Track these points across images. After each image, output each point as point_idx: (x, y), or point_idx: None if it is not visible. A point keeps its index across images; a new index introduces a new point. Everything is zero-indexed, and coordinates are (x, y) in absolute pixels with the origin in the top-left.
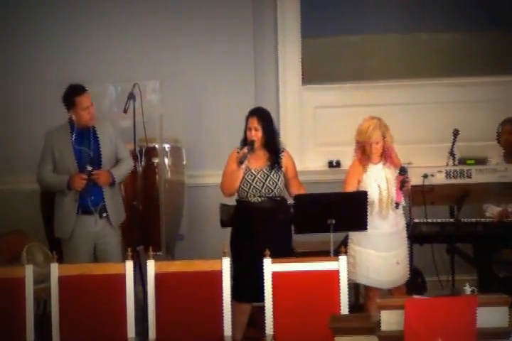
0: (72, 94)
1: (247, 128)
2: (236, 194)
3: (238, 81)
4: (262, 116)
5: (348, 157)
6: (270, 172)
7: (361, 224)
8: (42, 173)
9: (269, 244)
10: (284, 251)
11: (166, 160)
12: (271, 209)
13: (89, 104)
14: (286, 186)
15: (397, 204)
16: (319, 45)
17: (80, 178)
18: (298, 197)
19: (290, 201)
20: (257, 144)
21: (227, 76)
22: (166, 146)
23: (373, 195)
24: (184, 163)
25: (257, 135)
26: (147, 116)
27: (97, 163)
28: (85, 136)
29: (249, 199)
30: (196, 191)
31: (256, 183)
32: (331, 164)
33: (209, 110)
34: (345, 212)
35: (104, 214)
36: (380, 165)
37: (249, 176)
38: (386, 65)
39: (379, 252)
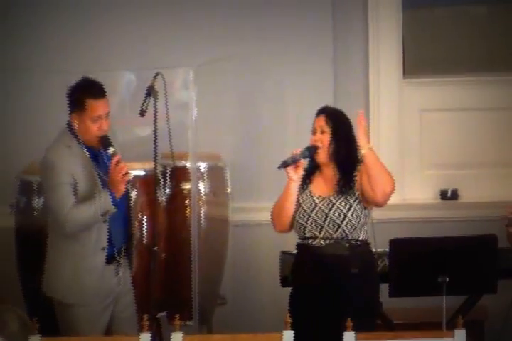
0: (84, 93)
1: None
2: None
3: (310, 72)
4: (333, 116)
5: (469, 185)
6: (337, 200)
7: (489, 284)
8: (69, 213)
9: (337, 312)
10: (361, 323)
11: (202, 187)
12: (339, 258)
13: (103, 113)
14: (364, 188)
15: None
16: (428, 19)
17: (116, 167)
18: (395, 243)
19: (381, 249)
20: (321, 155)
21: (293, 65)
22: (202, 165)
23: None
24: (228, 190)
25: (322, 139)
26: (175, 121)
27: (125, 199)
28: (99, 156)
29: (309, 241)
30: (245, 232)
31: (316, 214)
32: (444, 195)
33: (266, 114)
34: (465, 265)
35: (124, 260)
36: None
37: (308, 204)
38: None
39: None
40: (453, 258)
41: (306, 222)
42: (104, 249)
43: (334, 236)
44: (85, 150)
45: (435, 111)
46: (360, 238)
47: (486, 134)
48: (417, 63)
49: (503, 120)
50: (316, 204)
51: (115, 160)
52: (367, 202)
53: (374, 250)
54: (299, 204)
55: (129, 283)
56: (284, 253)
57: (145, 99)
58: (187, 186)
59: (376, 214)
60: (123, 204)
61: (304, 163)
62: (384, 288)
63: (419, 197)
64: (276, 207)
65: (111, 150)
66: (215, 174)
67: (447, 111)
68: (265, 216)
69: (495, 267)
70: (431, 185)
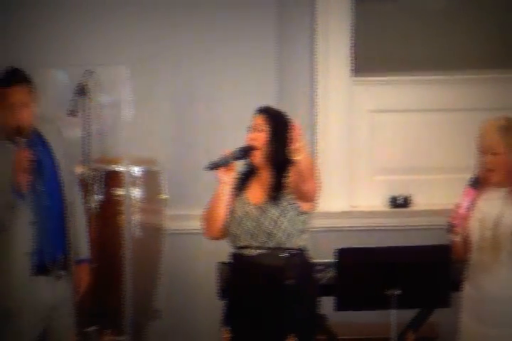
0: (0, 81)
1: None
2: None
3: (252, 70)
4: (273, 115)
5: (422, 191)
6: (271, 207)
7: (443, 298)
8: None
9: (275, 326)
10: (301, 339)
11: (136, 192)
12: (273, 269)
13: (18, 101)
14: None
15: None
16: (381, 13)
17: (18, 156)
18: (342, 252)
19: (327, 259)
20: (257, 157)
21: (234, 63)
22: (136, 170)
23: (472, 233)
24: (164, 196)
25: (259, 139)
26: (107, 122)
27: (56, 206)
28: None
29: (243, 251)
30: (182, 241)
31: (249, 223)
32: (395, 202)
33: (205, 115)
34: (417, 277)
35: (63, 272)
36: (502, 192)
37: (242, 212)
38: (490, 47)
39: (484, 328)
40: (404, 270)
41: (240, 231)
42: (28, 254)
43: (268, 245)
44: (9, 142)
45: (387, 113)
46: (297, 246)
47: (440, 137)
48: (368, 61)
49: (459, 122)
50: (250, 212)
51: (20, 149)
52: (299, 199)
53: (321, 260)
54: (232, 212)
55: (69, 297)
56: (222, 263)
57: (75, 99)
58: (120, 192)
59: (323, 222)
60: (56, 207)
61: (236, 165)
62: (330, 301)
63: (369, 204)
64: (207, 212)
65: (21, 140)
66: (150, 179)
67: (400, 113)
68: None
69: (448, 279)
70: (381, 191)
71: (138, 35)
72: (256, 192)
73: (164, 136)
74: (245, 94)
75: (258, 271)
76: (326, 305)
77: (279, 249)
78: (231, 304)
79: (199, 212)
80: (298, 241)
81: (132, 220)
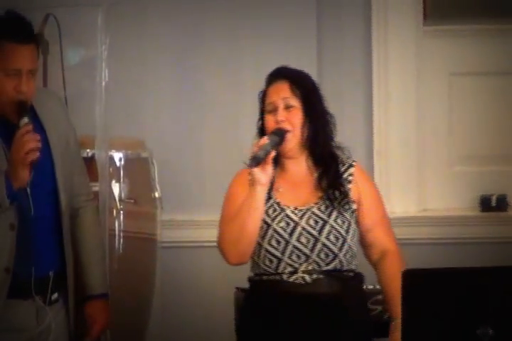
0: (2, 32)
1: (264, 110)
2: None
3: (277, 20)
4: (301, 81)
5: None
6: (329, 215)
7: None
8: None
9: None
10: None
11: (117, 188)
12: (333, 299)
13: (25, 66)
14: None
15: None
16: None
17: (21, 141)
18: (410, 276)
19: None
20: (291, 143)
21: (268, 10)
22: (117, 157)
23: None
24: (156, 194)
25: (291, 119)
26: (74, 88)
27: (45, 192)
28: (11, 131)
29: (284, 276)
30: (182, 257)
31: (300, 239)
32: (486, 203)
33: (216, 84)
34: None
35: (55, 296)
36: None
37: (282, 222)
38: None
39: None
40: (499, 300)
41: (283, 252)
42: (8, 271)
43: (325, 268)
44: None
45: (472, 76)
46: (354, 268)
47: None
48: (445, 3)
49: None
50: (296, 223)
51: (23, 131)
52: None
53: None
54: (266, 225)
55: (63, 326)
56: (240, 290)
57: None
58: (94, 188)
59: None
60: (48, 207)
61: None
62: None
63: (447, 206)
64: (234, 229)
65: (24, 120)
66: (137, 170)
67: (492, 76)
68: (210, 234)
69: None
70: (465, 188)
71: None
72: (287, 193)
73: (155, 108)
74: (272, 54)
75: (316, 302)
76: None
77: (338, 271)
78: None
79: (204, 216)
80: (352, 261)
81: (112, 227)
